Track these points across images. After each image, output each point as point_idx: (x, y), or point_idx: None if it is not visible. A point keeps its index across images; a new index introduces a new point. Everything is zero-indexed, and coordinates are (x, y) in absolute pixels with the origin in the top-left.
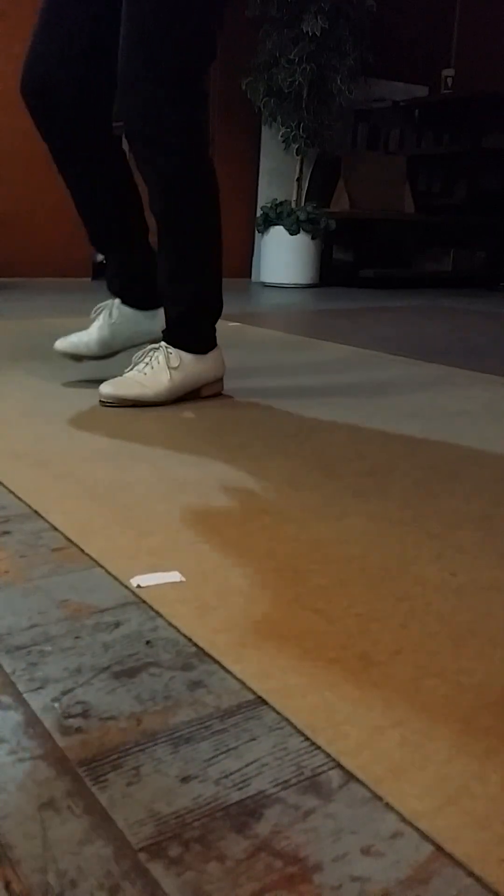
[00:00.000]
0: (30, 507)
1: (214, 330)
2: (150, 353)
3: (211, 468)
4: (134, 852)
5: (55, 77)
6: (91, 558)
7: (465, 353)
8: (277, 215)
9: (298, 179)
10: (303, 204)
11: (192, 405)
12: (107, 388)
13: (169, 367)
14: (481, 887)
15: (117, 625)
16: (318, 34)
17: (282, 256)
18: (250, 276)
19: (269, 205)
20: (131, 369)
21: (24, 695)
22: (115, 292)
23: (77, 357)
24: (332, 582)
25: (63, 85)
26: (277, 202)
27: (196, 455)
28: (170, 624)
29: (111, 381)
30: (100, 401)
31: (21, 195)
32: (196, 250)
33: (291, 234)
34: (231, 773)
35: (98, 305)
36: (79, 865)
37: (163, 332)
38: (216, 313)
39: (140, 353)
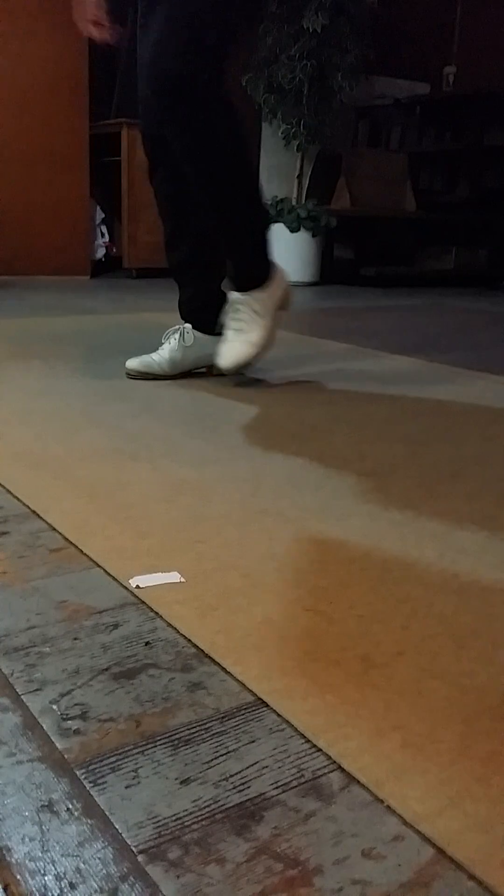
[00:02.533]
0: (28, 507)
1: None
2: (235, 310)
3: (211, 468)
4: (133, 854)
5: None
6: (90, 559)
7: (467, 351)
8: (278, 213)
9: (299, 177)
10: (303, 201)
11: (191, 405)
12: (224, 363)
13: (257, 316)
14: (483, 890)
15: (116, 626)
16: (318, 30)
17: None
18: None
19: (269, 202)
20: (227, 332)
21: (23, 696)
22: (185, 318)
23: (148, 376)
24: (333, 583)
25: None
26: (278, 199)
27: (196, 455)
28: (169, 625)
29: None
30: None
31: (19, 192)
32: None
33: (292, 232)
34: (231, 776)
35: (168, 330)
36: (78, 868)
37: (240, 286)
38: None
39: (226, 314)
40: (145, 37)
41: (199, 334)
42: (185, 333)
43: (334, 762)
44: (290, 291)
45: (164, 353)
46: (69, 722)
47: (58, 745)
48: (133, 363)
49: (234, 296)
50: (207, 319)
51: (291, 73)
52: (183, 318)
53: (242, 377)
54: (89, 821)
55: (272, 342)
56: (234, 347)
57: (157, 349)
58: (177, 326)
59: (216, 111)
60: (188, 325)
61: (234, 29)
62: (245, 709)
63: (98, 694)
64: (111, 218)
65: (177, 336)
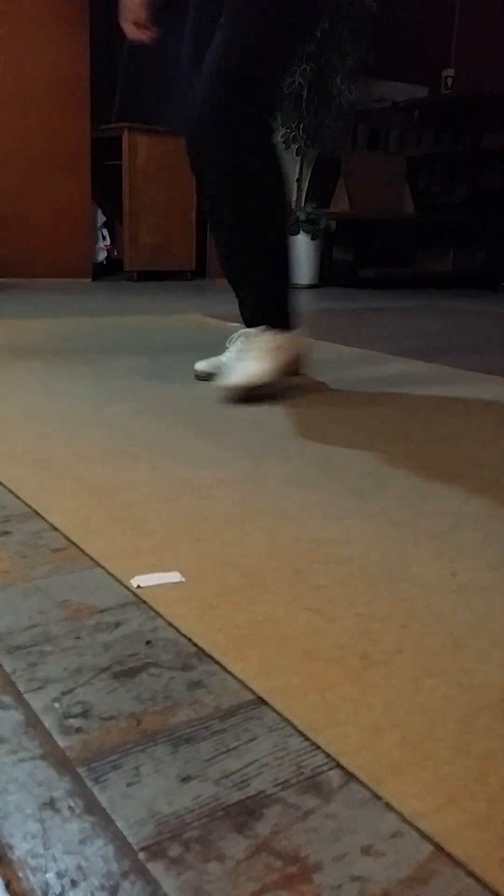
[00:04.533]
0: (30, 507)
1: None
2: (243, 341)
3: (211, 468)
4: (134, 852)
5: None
6: (91, 558)
7: (465, 352)
8: None
9: (298, 180)
10: (303, 204)
11: (192, 405)
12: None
13: (267, 350)
14: (481, 887)
15: (117, 625)
16: (318, 34)
17: None
18: None
19: None
20: (229, 358)
21: (25, 695)
22: (247, 322)
23: (214, 378)
24: (333, 582)
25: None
26: None
27: (196, 455)
28: (170, 624)
29: (226, 376)
30: (226, 396)
31: (21, 195)
32: (271, 241)
33: (291, 235)
34: (231, 773)
35: (233, 334)
36: (79, 865)
37: (249, 319)
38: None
39: (231, 340)
40: (198, 43)
41: (269, 336)
42: (247, 343)
43: (333, 759)
44: (306, 357)
45: (232, 355)
46: (71, 720)
47: (59, 742)
48: (202, 365)
49: (246, 329)
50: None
51: (291, 77)
52: (244, 321)
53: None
54: (91, 818)
55: (270, 381)
56: (235, 372)
57: (224, 352)
58: (242, 330)
59: (264, 132)
60: (252, 329)
61: (295, 49)
62: (245, 707)
63: (99, 692)
64: (112, 221)
65: (243, 338)
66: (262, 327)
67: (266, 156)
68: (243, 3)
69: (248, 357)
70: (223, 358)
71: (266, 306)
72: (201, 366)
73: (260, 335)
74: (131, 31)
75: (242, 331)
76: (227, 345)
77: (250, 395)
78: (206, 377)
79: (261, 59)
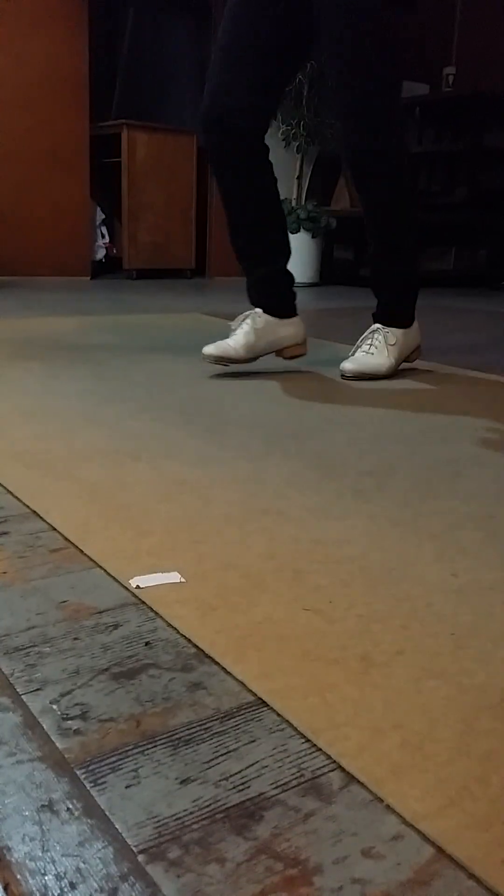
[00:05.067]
0: (28, 507)
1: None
2: (371, 336)
3: (211, 468)
4: (133, 854)
5: (237, 106)
6: (90, 559)
7: (466, 351)
8: None
9: (299, 178)
10: (303, 202)
11: (191, 405)
12: (348, 366)
13: (388, 345)
14: (482, 889)
15: (116, 626)
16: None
17: None
18: None
19: None
20: (356, 351)
21: (23, 696)
22: (255, 303)
23: (225, 361)
24: (333, 582)
25: (243, 113)
26: None
27: (196, 455)
28: (169, 625)
29: (350, 359)
30: (342, 375)
31: (20, 193)
32: (405, 242)
33: (292, 233)
34: (231, 775)
35: (239, 315)
36: (78, 868)
37: (376, 314)
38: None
39: (362, 337)
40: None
41: (269, 318)
42: (257, 318)
43: (334, 761)
44: (419, 349)
45: (239, 338)
46: (69, 722)
47: (58, 744)
48: (210, 348)
49: (375, 325)
50: (275, 303)
51: None
52: (252, 303)
53: (243, 377)
54: (89, 820)
55: (389, 375)
56: (361, 359)
57: (230, 335)
58: (247, 312)
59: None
60: (258, 310)
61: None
62: (245, 708)
63: (98, 694)
64: (111, 219)
65: (249, 321)
66: (394, 328)
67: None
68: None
69: (382, 352)
70: (230, 341)
71: (399, 307)
72: (210, 349)
73: (396, 331)
74: None
75: (249, 312)
76: (233, 327)
77: (363, 377)
78: (215, 361)
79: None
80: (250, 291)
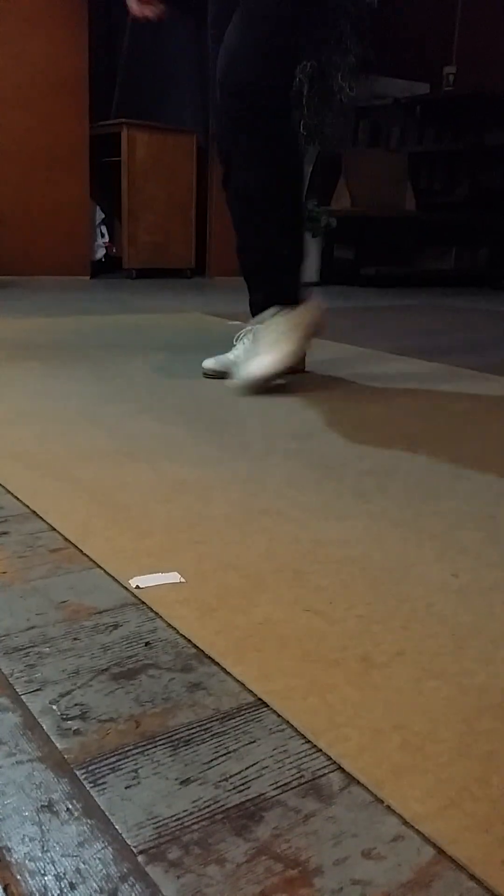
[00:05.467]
0: (28, 507)
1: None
2: (251, 335)
3: (211, 468)
4: (133, 855)
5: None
6: (90, 559)
7: (467, 351)
8: None
9: None
10: (303, 201)
11: (191, 405)
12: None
13: (283, 332)
14: (483, 890)
15: (116, 626)
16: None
17: None
18: None
19: None
20: (237, 355)
21: (23, 696)
22: (258, 309)
23: (225, 376)
24: (333, 583)
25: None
26: None
27: (196, 455)
28: (169, 625)
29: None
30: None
31: (20, 192)
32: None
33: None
34: (231, 776)
35: (240, 331)
36: (78, 868)
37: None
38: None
39: (238, 337)
40: (218, 44)
41: (285, 315)
42: (259, 333)
43: (334, 762)
44: (324, 319)
45: (240, 353)
46: (69, 722)
47: (58, 745)
48: (209, 363)
49: (264, 313)
50: None
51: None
52: (253, 315)
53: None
54: (89, 821)
55: (292, 363)
56: (252, 364)
57: (231, 349)
58: (249, 327)
59: (283, 121)
60: (260, 326)
61: (302, 37)
62: (245, 709)
63: (98, 694)
64: (111, 218)
65: (251, 336)
66: (273, 310)
67: (285, 140)
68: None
69: (262, 348)
70: (231, 356)
71: (288, 285)
72: (209, 364)
73: (274, 320)
74: (137, 8)
75: (250, 327)
76: (235, 342)
77: (269, 384)
78: (216, 375)
79: (268, 69)
80: (253, 307)
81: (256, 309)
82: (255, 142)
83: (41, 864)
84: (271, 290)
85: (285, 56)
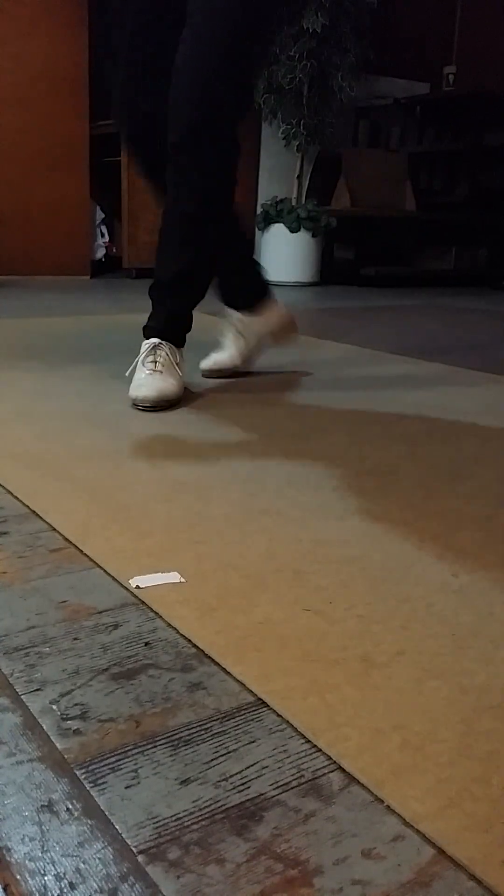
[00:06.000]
0: (28, 507)
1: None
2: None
3: (211, 468)
4: (133, 855)
5: (158, 114)
6: (90, 559)
7: (466, 351)
8: (278, 213)
9: (299, 177)
10: (303, 201)
11: (191, 405)
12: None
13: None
14: (483, 890)
15: (116, 626)
16: (318, 30)
17: (282, 254)
18: None
19: (269, 202)
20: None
21: (23, 696)
22: (225, 301)
23: (224, 374)
24: (333, 583)
25: (161, 119)
26: (278, 200)
27: (196, 455)
28: (169, 625)
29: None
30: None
31: (19, 192)
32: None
33: (292, 232)
34: (231, 776)
35: (221, 327)
36: (78, 868)
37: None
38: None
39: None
40: (182, 44)
41: (245, 317)
42: (235, 321)
43: (334, 762)
44: (290, 325)
45: (231, 347)
46: (69, 722)
47: (58, 745)
48: (206, 363)
49: (226, 311)
50: (243, 295)
51: (291, 74)
52: (223, 302)
53: (242, 376)
54: (89, 821)
55: (247, 366)
56: (211, 358)
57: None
58: (225, 320)
59: (234, 144)
60: (235, 314)
61: (269, 49)
62: (245, 709)
63: (98, 694)
64: (111, 218)
65: (232, 328)
66: (244, 312)
67: (230, 169)
68: (209, 12)
69: (228, 345)
70: (224, 354)
71: (243, 289)
72: (207, 364)
73: (246, 317)
74: None
75: (224, 321)
76: (220, 338)
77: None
78: (215, 375)
79: (233, 82)
80: (218, 291)
81: (223, 296)
82: (207, 180)
83: (41, 864)
84: (229, 292)
85: (255, 78)
